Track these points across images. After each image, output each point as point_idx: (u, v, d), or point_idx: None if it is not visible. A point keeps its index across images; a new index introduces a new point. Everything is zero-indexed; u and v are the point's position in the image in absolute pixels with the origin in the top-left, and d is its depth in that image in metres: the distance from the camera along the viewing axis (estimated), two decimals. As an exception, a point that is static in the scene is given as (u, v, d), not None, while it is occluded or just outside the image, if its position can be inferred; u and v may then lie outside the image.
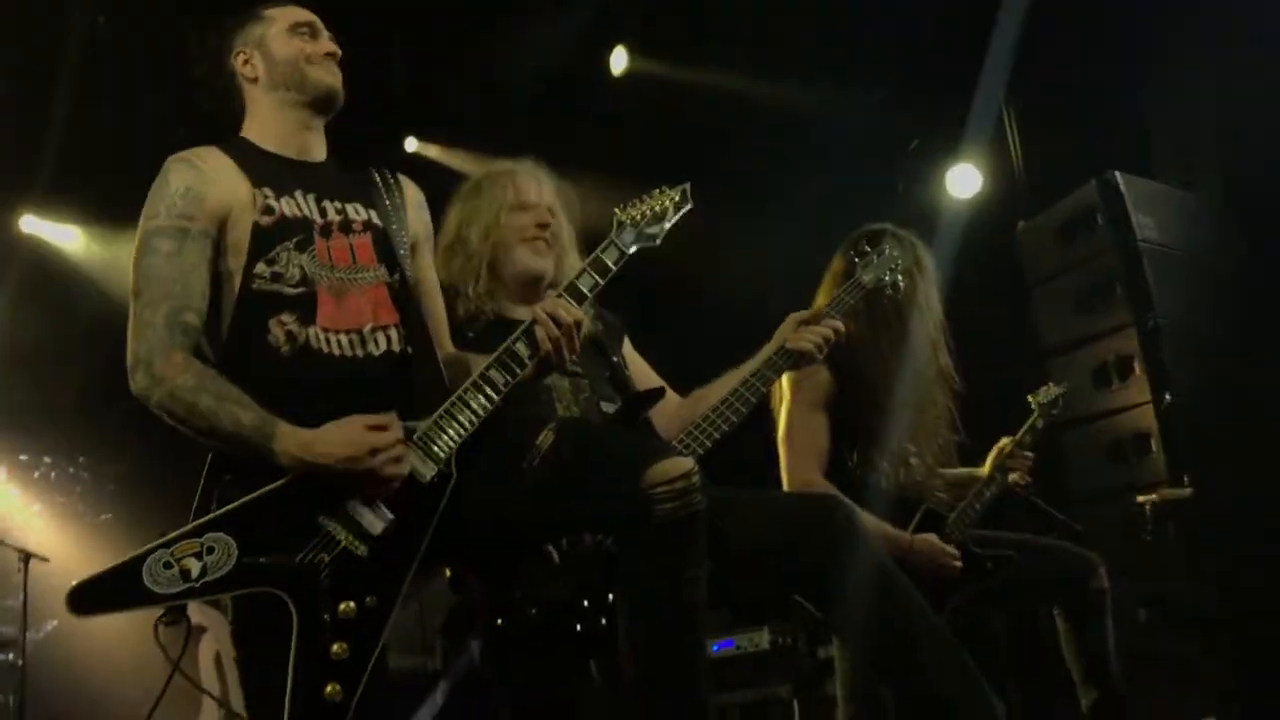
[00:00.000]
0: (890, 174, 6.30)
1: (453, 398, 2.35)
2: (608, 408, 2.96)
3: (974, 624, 3.36)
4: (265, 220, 2.43)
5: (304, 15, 2.66)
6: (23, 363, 6.57)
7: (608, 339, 3.15)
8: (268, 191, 2.47)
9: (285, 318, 2.38)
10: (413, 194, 2.74)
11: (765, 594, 2.87)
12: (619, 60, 6.41)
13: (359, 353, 2.41)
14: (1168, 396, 4.27)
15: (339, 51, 2.64)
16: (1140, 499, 4.07)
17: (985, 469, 3.54)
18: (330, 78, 2.61)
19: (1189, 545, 4.10)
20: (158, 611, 2.20)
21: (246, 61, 2.62)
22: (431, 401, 2.38)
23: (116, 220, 6.79)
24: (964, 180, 5.81)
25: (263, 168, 2.53)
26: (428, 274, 2.73)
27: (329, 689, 2.12)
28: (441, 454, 2.31)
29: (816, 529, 2.61)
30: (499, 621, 2.70)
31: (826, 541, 2.59)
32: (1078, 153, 5.24)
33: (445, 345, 2.70)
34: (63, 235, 6.99)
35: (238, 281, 2.40)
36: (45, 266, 6.91)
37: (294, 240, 2.44)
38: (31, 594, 5.62)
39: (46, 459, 6.65)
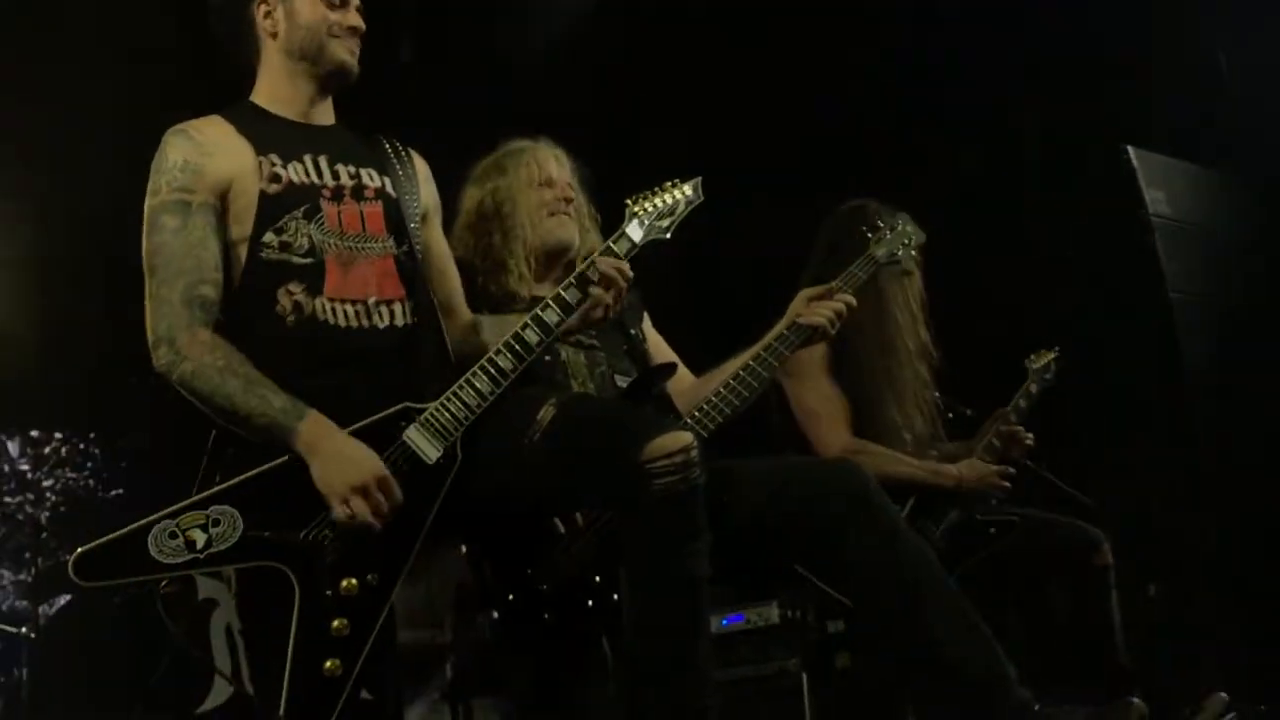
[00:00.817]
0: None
1: (461, 379, 2.35)
2: (623, 382, 2.96)
3: (985, 600, 3.36)
4: (272, 188, 2.42)
5: None
6: (35, 337, 6.60)
7: (627, 314, 3.13)
8: (274, 158, 2.45)
9: (293, 287, 2.38)
10: (421, 165, 2.73)
11: (776, 562, 2.84)
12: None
13: (364, 323, 2.41)
14: (1180, 370, 4.25)
15: (363, 25, 2.58)
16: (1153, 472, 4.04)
17: (985, 433, 3.55)
18: (347, 55, 2.56)
19: (1201, 518, 4.09)
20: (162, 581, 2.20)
21: (269, 14, 2.55)
22: (436, 379, 2.39)
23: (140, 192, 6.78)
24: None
25: (269, 132, 2.50)
26: (440, 244, 2.74)
27: (328, 664, 2.13)
28: (446, 436, 2.32)
29: (833, 489, 2.61)
30: (511, 597, 2.70)
31: (843, 502, 2.58)
32: (1090, 126, 5.20)
33: (465, 312, 2.72)
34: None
35: (244, 251, 2.39)
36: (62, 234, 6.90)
37: (302, 209, 2.42)
38: (43, 569, 5.65)
39: (58, 434, 6.68)
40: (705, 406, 2.82)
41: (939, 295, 3.68)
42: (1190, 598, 4.08)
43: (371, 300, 2.44)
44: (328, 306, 2.39)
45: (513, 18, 5.88)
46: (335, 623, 2.16)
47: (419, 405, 2.32)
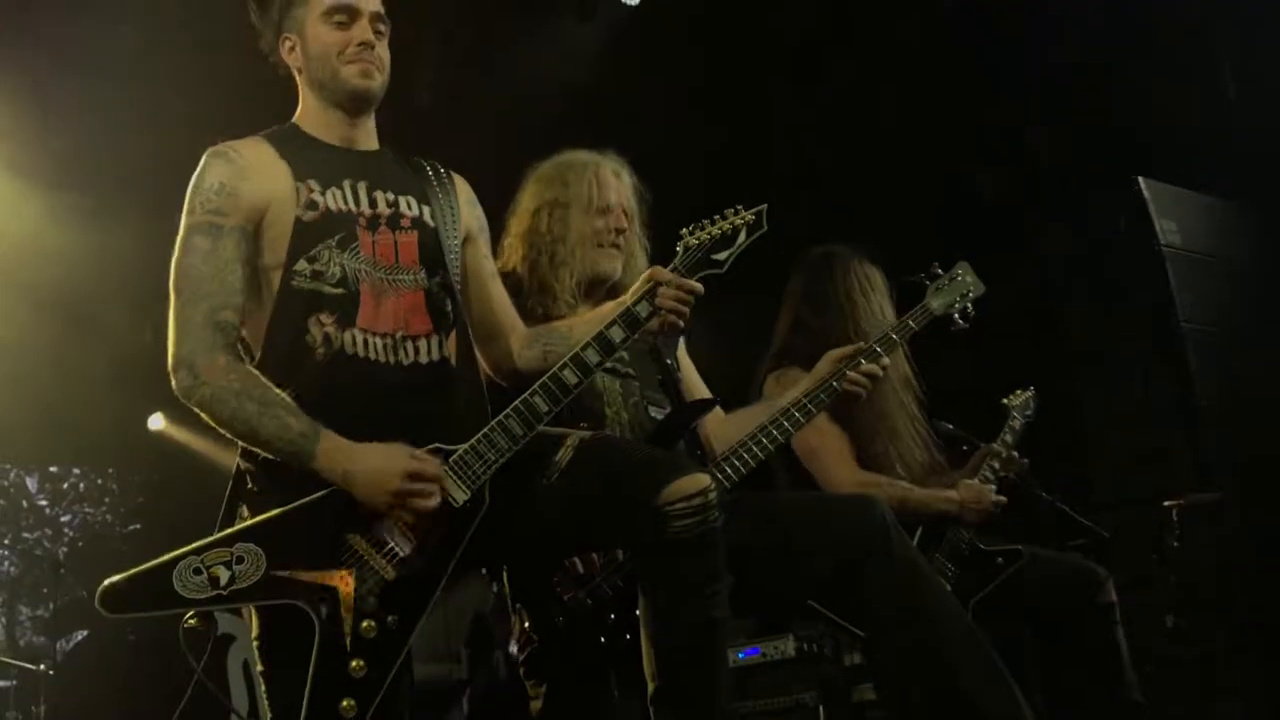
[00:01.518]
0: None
1: (494, 421, 2.31)
2: (656, 413, 2.94)
3: (1000, 636, 3.36)
4: (308, 216, 2.39)
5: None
6: (54, 375, 6.64)
7: (663, 341, 3.10)
8: (313, 184, 2.42)
9: (324, 318, 2.36)
10: (464, 189, 2.68)
11: (792, 596, 2.83)
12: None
13: (393, 358, 2.40)
14: (1194, 400, 4.24)
15: (372, 40, 2.50)
16: (1168, 504, 4.04)
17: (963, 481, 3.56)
18: (359, 79, 2.49)
19: (1217, 550, 4.08)
20: (185, 615, 2.21)
21: (291, 49, 2.53)
22: (469, 420, 2.35)
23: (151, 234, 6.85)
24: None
25: (309, 157, 2.46)
26: (482, 266, 2.67)
27: (344, 704, 2.13)
28: (475, 480, 2.29)
29: (854, 525, 2.61)
30: (526, 626, 2.72)
31: (863, 538, 2.58)
32: (1101, 157, 5.23)
33: (518, 326, 2.67)
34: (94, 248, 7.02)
35: (278, 278, 2.37)
36: (79, 277, 6.96)
37: (337, 237, 2.40)
38: (61, 605, 5.68)
39: (76, 470, 6.73)
40: (731, 458, 2.83)
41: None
42: (1206, 629, 4.05)
43: (399, 335, 2.42)
44: (358, 339, 2.37)
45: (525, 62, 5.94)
46: (353, 663, 2.16)
47: (449, 447, 2.29)
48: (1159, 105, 5.11)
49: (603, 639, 2.59)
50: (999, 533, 3.43)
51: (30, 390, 6.77)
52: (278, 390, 2.26)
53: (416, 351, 2.44)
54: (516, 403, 2.32)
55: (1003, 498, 3.37)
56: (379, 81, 2.52)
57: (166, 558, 2.13)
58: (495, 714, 4.37)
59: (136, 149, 5.90)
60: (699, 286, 2.45)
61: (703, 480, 2.24)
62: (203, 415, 2.29)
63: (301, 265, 2.36)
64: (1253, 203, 4.89)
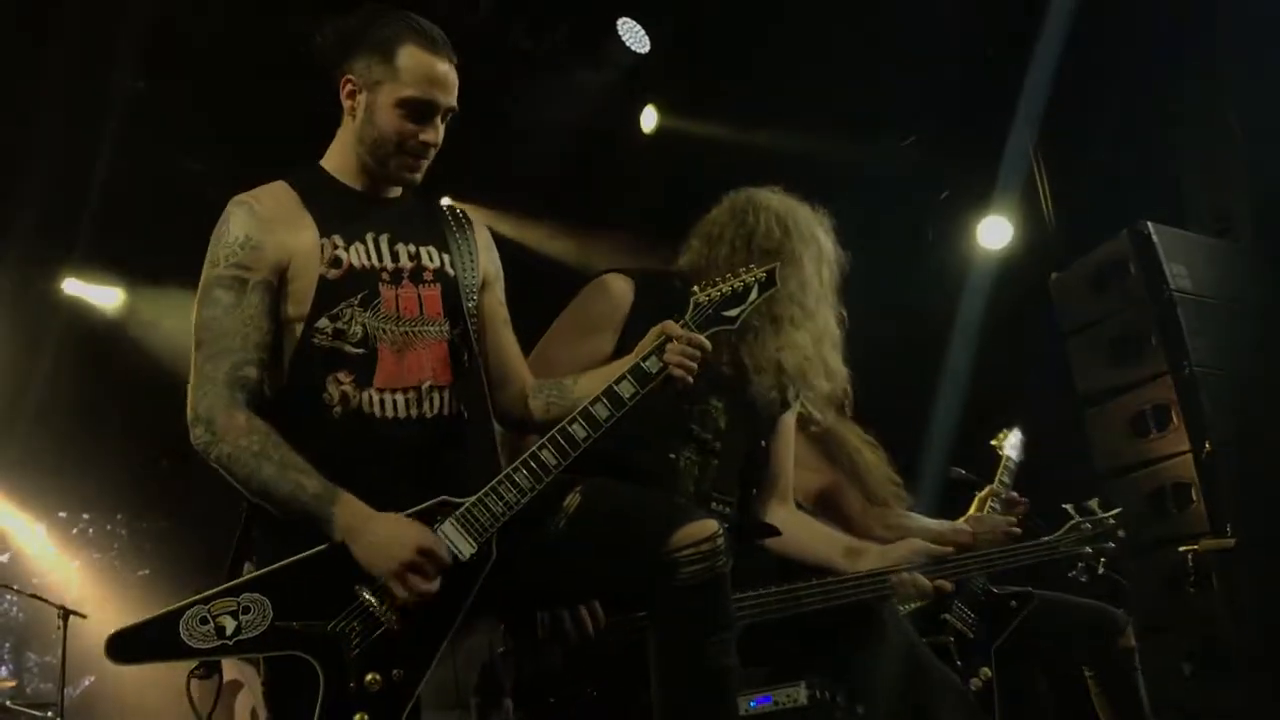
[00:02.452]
0: (920, 224, 6.32)
1: (502, 474, 2.31)
2: (720, 507, 2.86)
3: (1018, 686, 3.33)
4: (332, 274, 2.39)
5: (424, 90, 2.44)
6: (63, 420, 6.66)
7: (762, 420, 2.98)
8: (337, 240, 2.42)
9: (343, 376, 2.37)
10: (482, 234, 2.69)
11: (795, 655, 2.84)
12: (649, 119, 6.48)
13: (413, 413, 2.40)
14: (1207, 445, 4.22)
15: (437, 142, 2.50)
16: (1182, 549, 4.01)
17: (973, 511, 3.55)
18: (410, 175, 2.50)
19: (1232, 596, 4.04)
20: (192, 664, 2.23)
21: (351, 94, 2.48)
22: (481, 471, 2.35)
23: (156, 280, 6.90)
24: (995, 232, 5.82)
25: (334, 208, 2.46)
26: (498, 310, 2.66)
27: None
28: (482, 533, 2.28)
29: (843, 609, 2.61)
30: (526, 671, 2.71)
31: (854, 621, 2.59)
32: (1109, 202, 5.24)
33: (526, 376, 2.64)
34: (103, 296, 7.09)
35: (299, 332, 2.38)
36: (86, 326, 7.01)
37: (360, 295, 2.40)
38: (69, 651, 5.65)
39: (85, 515, 6.74)
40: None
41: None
42: (1223, 677, 4.01)
43: (425, 385, 2.43)
44: (375, 398, 2.38)
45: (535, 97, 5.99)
46: (356, 716, 2.16)
47: (456, 500, 2.30)
48: (1165, 147, 5.13)
49: (594, 693, 2.57)
50: (1011, 578, 3.41)
51: (40, 435, 6.80)
52: (294, 452, 2.26)
53: (442, 402, 2.46)
54: (525, 456, 2.31)
55: (1017, 529, 3.35)
56: (419, 178, 2.54)
57: (173, 607, 2.15)
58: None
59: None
60: (707, 343, 2.43)
61: (711, 526, 2.25)
62: (220, 471, 2.30)
63: (324, 323, 2.38)
64: (1262, 245, 4.89)
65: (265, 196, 2.44)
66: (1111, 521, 3.11)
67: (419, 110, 2.44)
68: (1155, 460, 4.43)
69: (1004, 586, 3.38)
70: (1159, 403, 4.42)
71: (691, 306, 2.48)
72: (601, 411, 2.35)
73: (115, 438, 7.13)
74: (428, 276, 2.49)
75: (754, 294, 2.52)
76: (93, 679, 6.26)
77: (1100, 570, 3.08)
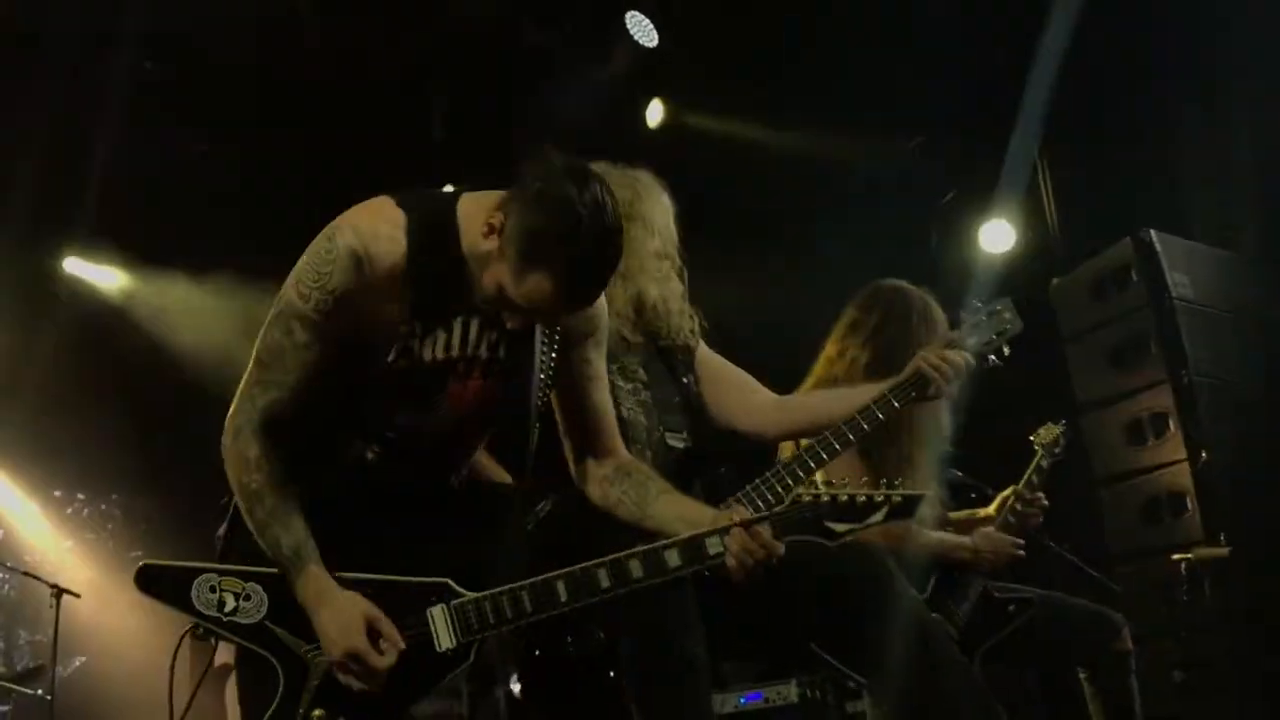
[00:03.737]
0: (923, 226, 6.32)
1: (509, 587, 2.23)
2: (674, 441, 2.90)
3: (1008, 684, 3.34)
4: (401, 364, 2.28)
5: (531, 313, 2.22)
6: (59, 400, 6.65)
7: (680, 355, 3.08)
8: (418, 327, 2.27)
9: (373, 449, 2.36)
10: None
11: (796, 640, 2.82)
12: (654, 113, 6.48)
13: (430, 491, 2.39)
14: (1204, 454, 4.23)
15: (519, 329, 2.30)
16: (1176, 558, 4.02)
17: (992, 510, 3.54)
18: (512, 324, 2.26)
19: (1225, 605, 4.05)
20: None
21: (491, 228, 2.19)
22: (505, 556, 2.33)
23: (157, 262, 6.90)
24: (997, 236, 5.82)
25: (434, 283, 2.26)
26: (582, 369, 2.48)
27: None
28: (467, 633, 2.23)
29: (856, 572, 2.60)
30: (536, 653, 2.71)
31: (865, 585, 2.57)
32: (1112, 209, 5.24)
33: (612, 446, 2.50)
34: (104, 276, 7.09)
35: (345, 391, 2.32)
36: (85, 306, 7.01)
37: (418, 395, 2.32)
38: (61, 630, 5.66)
39: (79, 495, 6.73)
40: (816, 446, 2.82)
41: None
42: (1214, 685, 4.02)
43: (445, 471, 2.43)
44: (396, 474, 2.36)
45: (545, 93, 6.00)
46: None
47: (457, 589, 2.25)
48: (1168, 155, 5.14)
49: (612, 673, 2.58)
50: (1011, 576, 3.41)
51: (35, 416, 6.79)
52: (286, 500, 2.24)
53: (455, 480, 2.45)
54: (537, 580, 2.23)
55: (1022, 552, 3.34)
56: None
57: (196, 565, 2.26)
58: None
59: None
60: (779, 549, 2.21)
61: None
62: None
63: (373, 405, 2.33)
64: (1264, 255, 4.89)
65: (375, 247, 2.23)
66: (999, 308, 3.07)
67: (517, 311, 2.22)
68: (1151, 468, 4.45)
69: (1006, 589, 3.37)
70: (1157, 411, 4.43)
71: (789, 502, 2.28)
72: (636, 570, 2.21)
73: (111, 418, 7.12)
74: (496, 370, 2.36)
75: (879, 516, 2.28)
76: (84, 658, 6.26)
77: (1005, 352, 3.05)
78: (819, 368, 3.56)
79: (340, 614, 2.17)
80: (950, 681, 2.52)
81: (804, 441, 2.90)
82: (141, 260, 7.01)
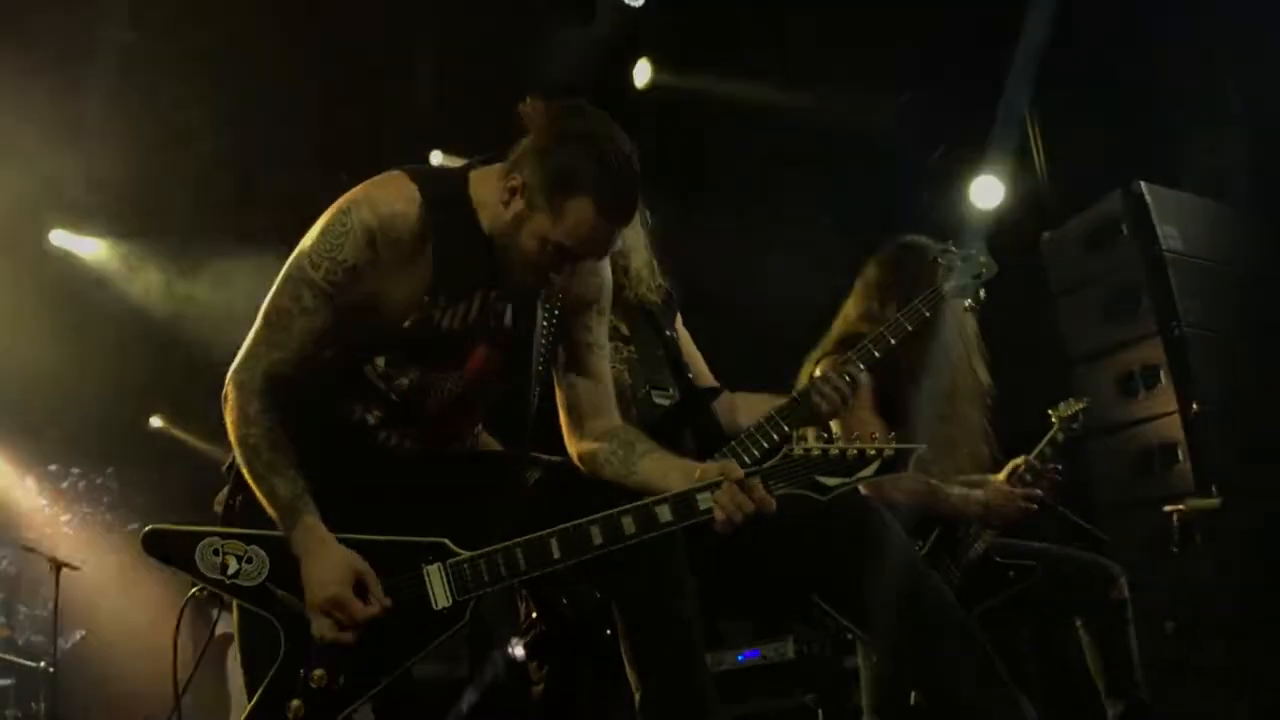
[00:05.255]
0: (913, 183, 6.30)
1: (504, 544, 2.25)
2: (660, 398, 2.93)
3: (1001, 636, 3.36)
4: (418, 331, 2.32)
5: (579, 246, 2.25)
6: (53, 373, 6.64)
7: (662, 312, 3.11)
8: (442, 300, 2.32)
9: (374, 413, 2.41)
10: (588, 260, 2.44)
11: (794, 591, 2.83)
12: (642, 73, 6.44)
13: (429, 455, 2.45)
14: (1194, 406, 4.24)
15: (568, 284, 2.37)
16: (1168, 509, 4.04)
17: (1001, 478, 3.54)
18: (538, 281, 2.33)
19: (1216, 556, 4.08)
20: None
21: (513, 190, 2.26)
22: (503, 513, 2.32)
23: (148, 235, 6.87)
24: (988, 191, 5.80)
25: (457, 254, 2.30)
26: (583, 336, 2.52)
27: None
28: (463, 591, 2.26)
29: (854, 524, 2.61)
30: (533, 613, 2.73)
31: (864, 537, 2.59)
32: (1103, 163, 5.23)
33: (608, 412, 2.52)
34: (95, 249, 7.06)
35: (355, 349, 2.36)
36: (76, 279, 6.98)
37: (428, 356, 2.36)
38: (61, 603, 5.67)
39: (75, 469, 6.73)
40: (735, 445, 2.84)
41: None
42: (1206, 635, 4.05)
43: (445, 438, 2.48)
44: (393, 439, 2.42)
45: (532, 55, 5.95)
46: (294, 701, 2.22)
47: (454, 548, 2.27)
48: (1161, 109, 5.12)
49: (609, 631, 2.60)
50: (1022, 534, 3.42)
51: (30, 389, 6.78)
52: (283, 454, 2.27)
53: (457, 447, 2.50)
54: (531, 537, 2.25)
55: (1033, 505, 3.35)
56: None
57: (200, 529, 2.30)
58: (495, 712, 4.36)
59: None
60: (771, 506, 2.22)
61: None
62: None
63: (380, 362, 2.37)
64: (1254, 207, 4.89)
65: (389, 224, 2.27)
66: (974, 252, 3.11)
67: (565, 256, 2.27)
68: (1142, 420, 4.46)
69: (1010, 551, 3.38)
70: (1148, 363, 4.44)
71: (780, 457, 2.27)
72: (629, 526, 2.24)
73: (105, 391, 7.12)
74: (501, 340, 2.42)
75: (871, 469, 2.27)
76: (84, 632, 6.28)
77: (981, 295, 3.06)
78: (839, 326, 3.56)
79: (327, 563, 2.20)
80: (949, 639, 2.53)
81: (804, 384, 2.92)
82: (133, 233, 6.98)
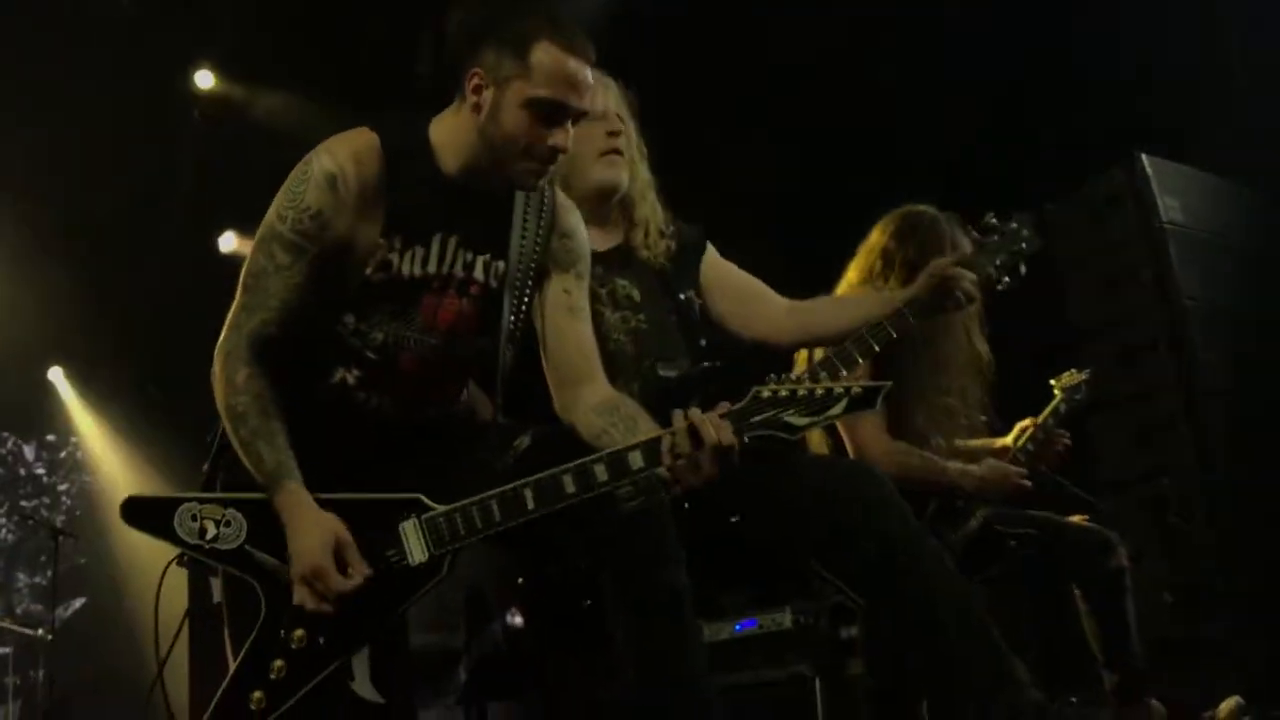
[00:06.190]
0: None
1: (478, 498, 2.25)
2: (666, 370, 2.84)
3: (1000, 604, 3.36)
4: (378, 277, 2.35)
5: (557, 90, 2.28)
6: (54, 343, 6.64)
7: (677, 269, 2.99)
8: (396, 242, 2.35)
9: (353, 373, 2.40)
10: (565, 218, 2.55)
11: (792, 558, 2.82)
12: None
13: (411, 417, 2.44)
14: (1194, 378, 4.24)
15: (569, 147, 2.37)
16: (1167, 481, 4.04)
17: (1010, 440, 3.54)
18: (534, 179, 2.37)
19: (1215, 528, 4.08)
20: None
21: (478, 88, 2.32)
22: (482, 474, 2.31)
23: (151, 202, 6.85)
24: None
25: (413, 199, 2.36)
26: (562, 299, 2.53)
27: (256, 694, 2.20)
28: (440, 545, 2.25)
29: (849, 491, 2.60)
30: (520, 581, 2.73)
31: (860, 504, 2.57)
32: (1104, 134, 5.20)
33: (596, 378, 2.51)
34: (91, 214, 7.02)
35: (328, 310, 2.38)
36: (77, 248, 6.96)
37: (395, 306, 2.38)
38: (60, 571, 5.69)
39: (73, 439, 6.75)
40: (829, 360, 2.82)
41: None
42: (1205, 605, 4.06)
43: (427, 398, 2.47)
44: (374, 400, 2.42)
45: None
46: (276, 662, 2.22)
47: (429, 503, 2.27)
48: (1162, 80, 5.09)
49: (589, 602, 2.60)
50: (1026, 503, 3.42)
51: (29, 360, 6.77)
52: (272, 419, 2.27)
53: (436, 410, 2.50)
54: (506, 489, 2.25)
55: (1028, 483, 3.34)
56: (540, 185, 2.41)
57: (178, 495, 2.31)
58: (492, 682, 4.37)
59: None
60: (730, 439, 2.19)
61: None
62: None
63: (350, 319, 2.38)
64: (1255, 180, 4.87)
65: (351, 167, 2.32)
66: (1015, 224, 2.92)
67: (550, 112, 2.30)
68: (1143, 393, 4.45)
69: (1011, 521, 3.38)
70: (1148, 336, 4.43)
71: (749, 398, 2.24)
72: (600, 474, 2.22)
73: (105, 362, 7.12)
74: (474, 290, 2.44)
75: (839, 408, 2.22)
76: (83, 600, 6.31)
77: (1022, 271, 2.90)
78: (841, 290, 3.54)
79: (310, 531, 2.20)
80: (944, 604, 2.52)
81: (818, 353, 2.90)
82: (136, 198, 6.96)
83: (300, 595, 2.20)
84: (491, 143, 2.34)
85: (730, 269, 3.12)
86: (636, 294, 2.90)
